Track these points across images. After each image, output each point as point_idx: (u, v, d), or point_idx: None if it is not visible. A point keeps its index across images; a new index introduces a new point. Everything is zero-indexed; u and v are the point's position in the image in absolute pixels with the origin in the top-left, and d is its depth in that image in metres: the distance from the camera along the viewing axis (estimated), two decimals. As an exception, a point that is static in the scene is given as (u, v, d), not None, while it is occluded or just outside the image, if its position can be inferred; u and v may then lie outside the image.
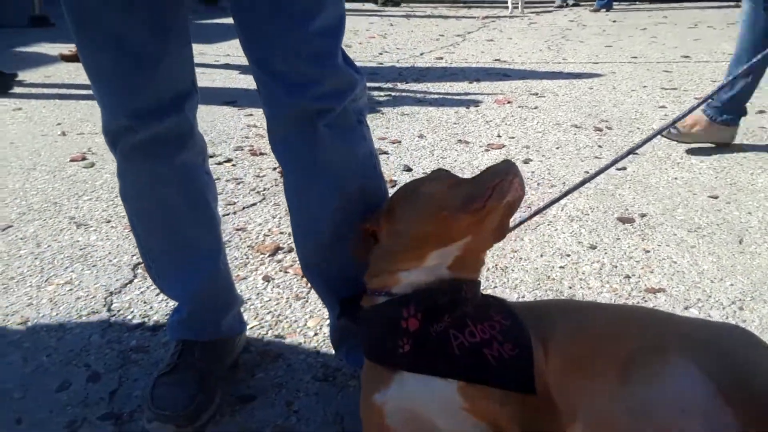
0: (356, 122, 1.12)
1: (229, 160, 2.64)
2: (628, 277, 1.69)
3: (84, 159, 2.65)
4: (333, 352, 1.39)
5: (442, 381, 0.90)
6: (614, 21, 6.62)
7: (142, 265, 1.48)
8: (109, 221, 2.10)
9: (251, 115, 3.27)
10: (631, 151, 1.43)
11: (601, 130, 2.95)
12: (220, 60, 4.67)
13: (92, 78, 1.10)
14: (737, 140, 2.63)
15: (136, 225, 1.27)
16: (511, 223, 1.03)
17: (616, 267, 1.74)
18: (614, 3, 7.56)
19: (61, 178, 2.45)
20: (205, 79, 4.09)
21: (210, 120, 3.19)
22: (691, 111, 1.32)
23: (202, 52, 4.85)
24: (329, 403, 1.26)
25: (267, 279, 1.73)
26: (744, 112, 2.54)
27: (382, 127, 3.07)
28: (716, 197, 2.15)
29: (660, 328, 0.99)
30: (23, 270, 1.79)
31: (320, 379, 1.33)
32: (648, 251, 1.81)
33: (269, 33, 1.03)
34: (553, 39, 5.53)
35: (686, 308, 1.52)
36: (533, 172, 2.46)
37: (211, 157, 2.66)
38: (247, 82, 3.89)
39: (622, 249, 1.83)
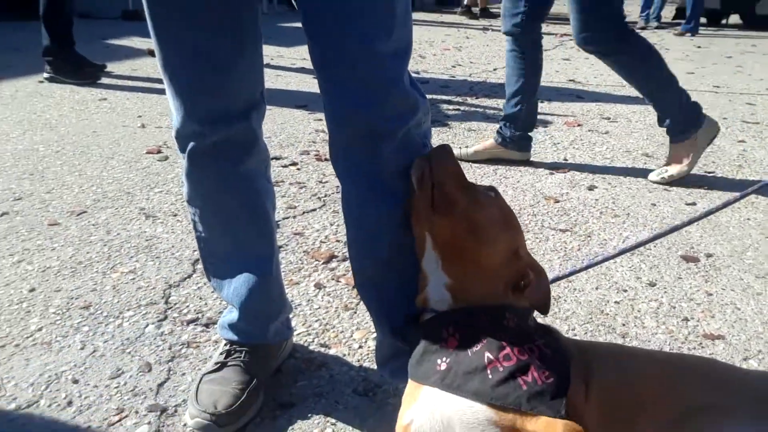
0: (421, 145, 1.12)
1: (294, 164, 2.70)
2: (686, 319, 1.63)
3: (159, 152, 2.76)
4: (375, 367, 1.41)
5: (471, 401, 0.89)
6: (699, 47, 6.40)
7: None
8: (176, 215, 2.18)
9: (320, 120, 3.33)
10: (726, 205, 1.41)
11: (673, 161, 2.85)
12: (296, 63, 4.77)
13: (167, 80, 1.15)
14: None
15: (198, 226, 1.31)
16: (564, 270, 1.02)
17: (674, 308, 1.68)
18: (700, 27, 7.30)
19: (136, 169, 2.56)
20: (280, 81, 4.20)
21: (280, 122, 3.27)
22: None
23: (279, 54, 4.99)
24: (366, 419, 1.27)
25: (319, 286, 1.76)
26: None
27: (448, 141, 3.06)
28: (791, 243, 2.05)
29: (718, 384, 0.94)
30: (92, 255, 1.88)
31: (360, 394, 1.35)
32: (710, 294, 1.74)
33: (339, 50, 1.04)
34: (632, 62, 5.38)
35: (745, 359, 1.46)
36: (597, 199, 2.41)
37: (277, 159, 2.73)
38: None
39: (683, 289, 1.77)
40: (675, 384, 0.94)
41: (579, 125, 3.41)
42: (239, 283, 1.31)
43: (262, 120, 1.25)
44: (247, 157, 1.24)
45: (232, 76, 1.14)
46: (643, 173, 2.68)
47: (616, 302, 1.70)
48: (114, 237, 2.01)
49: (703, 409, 0.89)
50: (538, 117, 2.89)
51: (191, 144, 1.18)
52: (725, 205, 1.46)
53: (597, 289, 1.77)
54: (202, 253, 1.35)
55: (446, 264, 0.97)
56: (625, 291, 1.76)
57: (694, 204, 2.35)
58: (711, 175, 2.68)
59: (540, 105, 3.83)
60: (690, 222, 1.50)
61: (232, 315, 1.35)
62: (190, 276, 1.80)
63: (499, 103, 3.83)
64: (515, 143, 2.75)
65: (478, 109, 3.70)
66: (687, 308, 1.68)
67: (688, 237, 2.08)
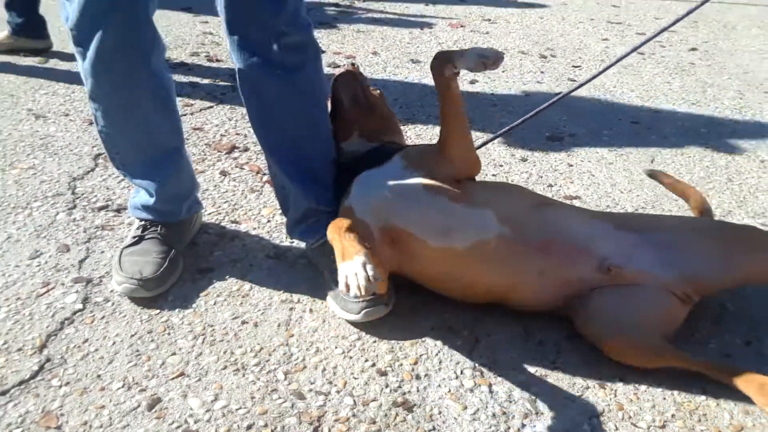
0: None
1: (185, 65, 2.69)
2: (551, 185, 1.89)
3: (39, 55, 2.65)
4: (284, 236, 1.56)
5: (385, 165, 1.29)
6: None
7: (104, 155, 1.58)
8: (67, 114, 2.16)
9: (206, 22, 3.28)
10: (593, 78, 1.64)
11: (545, 57, 3.10)
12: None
13: None
14: (671, 76, 2.83)
15: (100, 121, 1.31)
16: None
17: (541, 177, 1.94)
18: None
19: (16, 73, 2.47)
20: (159, -17, 4.03)
21: (165, 24, 3.19)
22: (632, 51, 1.51)
23: (155, -45, 4.73)
24: (280, 277, 1.43)
25: (224, 173, 1.86)
26: None
27: (337, 42, 3.14)
28: (638, 123, 2.36)
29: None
30: (-14, 154, 1.86)
31: (272, 257, 1.50)
32: (571, 165, 2.01)
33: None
34: (511, -33, 5.57)
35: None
36: (478, 92, 2.61)
37: (166, 60, 2.70)
38: (204, -11, 3.86)
39: (549, 162, 2.03)
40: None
41: (462, 26, 3.58)
42: (155, 174, 1.38)
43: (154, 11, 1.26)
44: (155, 52, 1.27)
45: None
46: (519, 69, 2.91)
47: (493, 175, 1.93)
48: (6, 137, 1.99)
49: (553, 204, 1.28)
50: (423, 19, 3.01)
51: (97, 38, 1.17)
52: (571, 91, 1.68)
53: (477, 165, 1.99)
54: (106, 146, 1.38)
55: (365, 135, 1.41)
56: (501, 166, 2.00)
57: (560, 93, 2.61)
58: (577, 68, 2.95)
59: (425, 8, 3.97)
60: (550, 104, 1.73)
61: (143, 197, 1.43)
62: (92, 170, 1.84)
63: (386, 6, 3.92)
64: (26, 30, 2.68)
65: (365, 13, 3.77)
66: (552, 176, 1.94)
67: (554, 121, 2.34)
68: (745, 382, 1.12)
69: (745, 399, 1.13)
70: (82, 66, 1.23)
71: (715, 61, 3.11)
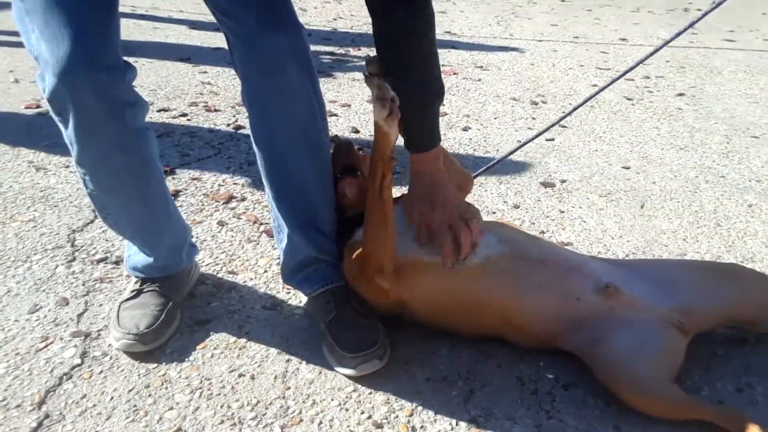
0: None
1: (184, 115, 2.75)
2: (543, 232, 1.92)
3: (38, 107, 2.71)
4: (281, 287, 1.58)
5: None
6: (563, 0, 6.86)
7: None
8: (67, 166, 2.20)
9: (205, 72, 3.36)
10: (563, 118, 1.70)
11: (536, 103, 3.17)
12: (173, 14, 4.68)
13: (36, 33, 1.13)
14: (659, 121, 2.90)
15: (89, 185, 1.31)
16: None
17: (534, 224, 1.97)
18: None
19: (16, 124, 2.52)
20: (158, 34, 4.13)
21: (164, 75, 3.27)
22: (612, 83, 1.58)
23: (154, 6, 4.85)
24: (276, 328, 1.45)
25: (221, 224, 1.89)
26: None
27: (333, 90, 3.22)
28: (628, 168, 2.41)
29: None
30: (-13, 208, 1.89)
31: (269, 308, 1.52)
32: (563, 211, 2.05)
33: None
34: (503, 14, 5.72)
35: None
36: (471, 138, 2.67)
37: (165, 110, 2.77)
38: (201, 39, 3.95)
39: (541, 209, 2.07)
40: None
41: (455, 73, 3.67)
42: (145, 235, 1.41)
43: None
44: (138, 112, 1.27)
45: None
46: (511, 115, 2.98)
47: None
48: (6, 190, 2.02)
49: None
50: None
51: (77, 106, 1.16)
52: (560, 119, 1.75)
53: (471, 213, 2.02)
54: (97, 207, 1.39)
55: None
56: (494, 213, 2.03)
57: (552, 139, 2.67)
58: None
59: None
60: (531, 139, 1.79)
61: (141, 257, 1.45)
62: (92, 221, 1.86)
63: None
64: None
65: (361, 61, 3.85)
66: (544, 223, 1.97)
67: (546, 167, 2.39)
68: None
69: (739, 448, 1.14)
70: (65, 134, 1.22)
71: (702, 105, 3.19)
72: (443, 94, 1.30)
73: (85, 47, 1.12)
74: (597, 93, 1.76)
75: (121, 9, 1.22)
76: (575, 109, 1.71)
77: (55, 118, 1.20)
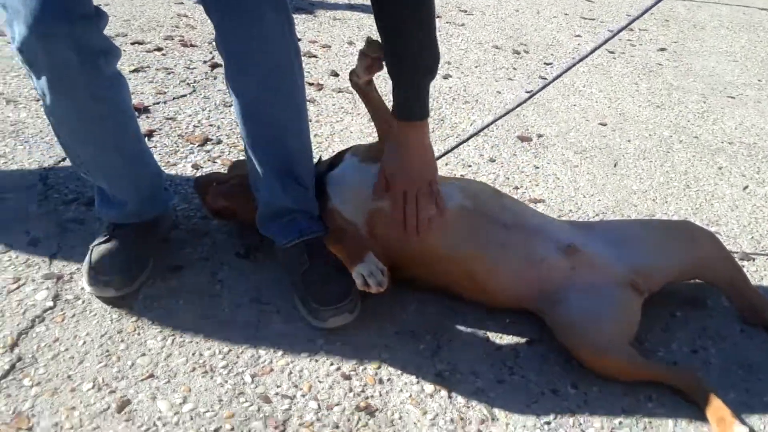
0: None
1: (159, 49, 2.67)
2: (517, 188, 1.94)
3: (4, 35, 2.61)
4: (256, 235, 1.58)
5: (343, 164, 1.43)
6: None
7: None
8: (38, 100, 2.14)
9: (181, 3, 3.24)
10: (557, 78, 1.69)
11: (518, 53, 3.14)
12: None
13: None
14: (639, 77, 2.90)
15: (62, 134, 1.29)
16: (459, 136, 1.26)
17: (508, 179, 1.99)
18: None
19: (-17, 52, 2.43)
20: (133, -42, 3.95)
21: (138, 5, 3.15)
22: (597, 47, 1.57)
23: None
24: (250, 277, 1.46)
25: (196, 167, 1.87)
26: None
27: (313, 30, 3.14)
28: (605, 124, 2.42)
29: None
30: (-47, 141, 1.84)
31: (242, 256, 1.52)
32: (537, 167, 2.07)
33: None
34: (489, -46, 5.57)
35: (559, 216, 1.80)
36: (450, 87, 2.65)
37: (140, 43, 2.68)
38: (178, -33, 3.80)
39: (516, 164, 2.08)
40: None
41: (438, 17, 3.59)
42: (119, 181, 1.39)
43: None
44: (111, 60, 1.24)
45: None
46: (492, 64, 2.95)
47: (462, 175, 1.98)
48: (-26, 122, 1.96)
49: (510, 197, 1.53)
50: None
51: (49, 55, 1.12)
52: (543, 87, 1.74)
53: (446, 165, 2.03)
54: (70, 156, 1.37)
55: None
56: (470, 166, 2.04)
57: (531, 91, 2.66)
58: (548, 65, 3.00)
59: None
60: (519, 104, 1.79)
61: (114, 202, 1.42)
62: (64, 159, 1.83)
63: (363, -9, 3.91)
64: None
65: (342, -3, 3.75)
66: (518, 179, 1.99)
67: (524, 120, 2.39)
68: (710, 409, 1.18)
69: (691, 410, 1.20)
70: (37, 84, 1.19)
71: (682, 62, 3.19)
72: (435, 71, 1.26)
73: None
74: (593, 51, 1.73)
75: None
76: (569, 69, 1.69)
77: (25, 68, 1.16)
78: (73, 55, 1.14)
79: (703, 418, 1.18)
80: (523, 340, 1.36)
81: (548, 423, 1.17)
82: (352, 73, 1.39)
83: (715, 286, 1.44)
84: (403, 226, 1.33)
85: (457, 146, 1.93)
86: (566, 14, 3.89)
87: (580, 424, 1.17)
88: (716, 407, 1.16)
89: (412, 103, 1.27)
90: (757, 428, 1.18)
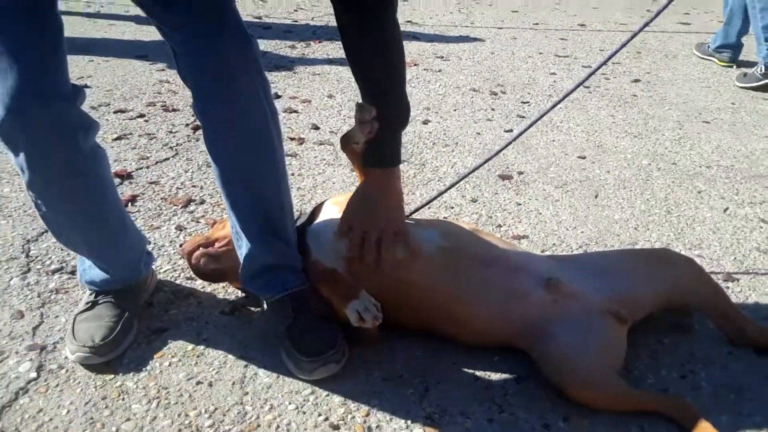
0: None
1: (141, 116, 2.72)
2: (500, 226, 1.96)
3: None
4: (240, 293, 1.59)
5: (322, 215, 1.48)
6: (523, -14, 6.89)
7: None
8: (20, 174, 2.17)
9: (163, 70, 3.32)
10: (543, 116, 1.69)
11: (496, 94, 3.21)
12: (129, 11, 4.60)
13: None
14: (615, 109, 2.96)
15: (44, 208, 1.29)
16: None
17: (491, 218, 2.00)
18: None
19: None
20: (114, 31, 4.06)
21: (121, 74, 3.23)
22: (578, 85, 1.61)
23: (110, 1, 4.76)
24: (235, 333, 1.46)
25: (180, 228, 1.88)
26: None
27: (293, 86, 3.21)
28: (584, 157, 2.45)
29: None
30: (-62, 219, 1.86)
31: (227, 314, 1.53)
32: (519, 204, 2.09)
33: None
34: (464, 1, 5.74)
35: (542, 251, 1.81)
36: (431, 132, 2.69)
37: (122, 112, 2.74)
38: (157, 34, 3.89)
39: (498, 202, 2.10)
40: None
41: (415, 65, 3.68)
42: (101, 250, 1.40)
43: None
44: (89, 133, 1.25)
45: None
46: (470, 106, 3.00)
47: (444, 217, 1.99)
48: (-41, 199, 1.99)
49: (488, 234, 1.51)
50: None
51: (28, 133, 1.14)
52: (528, 127, 1.76)
53: (429, 208, 2.05)
54: (52, 228, 1.37)
55: None
56: (452, 208, 2.06)
57: (511, 130, 2.71)
58: (526, 104, 3.06)
59: (379, 47, 4.07)
60: (506, 145, 1.81)
61: (96, 272, 1.43)
62: (46, 231, 1.84)
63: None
64: None
65: (321, 54, 3.85)
66: (501, 216, 2.01)
67: (505, 159, 2.42)
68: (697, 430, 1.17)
69: (680, 434, 1.19)
70: (14, 160, 1.20)
71: (656, 92, 3.25)
72: (407, 121, 1.30)
73: (35, 79, 1.11)
74: (575, 88, 1.74)
75: (74, 6, 1.20)
76: (555, 105, 1.71)
77: (4, 146, 1.17)
78: (50, 133, 1.17)
79: (696, 444, 1.17)
80: (512, 377, 1.35)
81: (540, 460, 1.15)
82: (347, 140, 1.32)
83: (699, 310, 1.44)
84: (361, 261, 1.34)
85: (442, 193, 1.93)
86: (540, 53, 3.98)
87: (573, 458, 1.15)
88: (704, 428, 1.15)
89: (385, 153, 1.30)
90: (751, 450, 1.17)
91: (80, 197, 1.30)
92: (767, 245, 1.86)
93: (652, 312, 1.40)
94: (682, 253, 1.75)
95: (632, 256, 1.49)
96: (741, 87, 3.33)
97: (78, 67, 3.29)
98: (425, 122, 2.79)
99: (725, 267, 1.75)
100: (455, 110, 2.96)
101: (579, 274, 1.38)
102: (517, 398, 1.29)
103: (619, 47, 1.77)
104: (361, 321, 1.29)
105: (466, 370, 1.36)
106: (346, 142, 1.32)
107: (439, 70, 3.59)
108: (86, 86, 3.01)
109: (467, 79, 3.45)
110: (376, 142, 1.29)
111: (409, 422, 1.23)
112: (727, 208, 2.08)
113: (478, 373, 1.36)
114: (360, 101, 1.28)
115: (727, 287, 1.63)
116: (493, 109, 2.99)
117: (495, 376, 1.35)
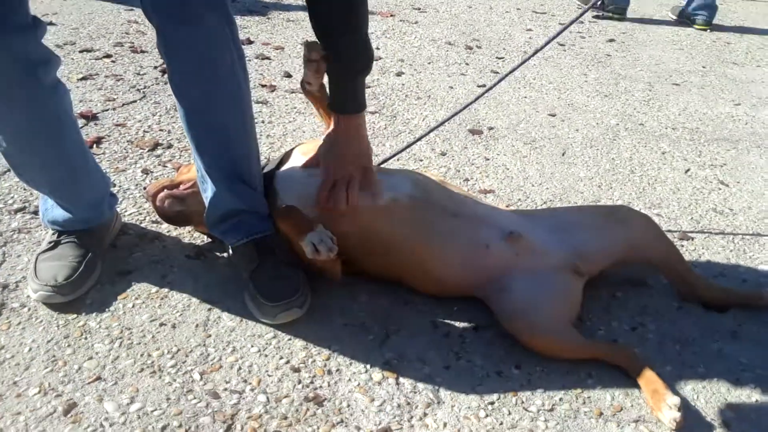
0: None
1: (108, 56, 2.65)
2: (467, 179, 1.98)
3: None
4: (205, 238, 1.59)
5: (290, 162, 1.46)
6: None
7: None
8: (-17, 111, 2.11)
9: (131, 10, 3.22)
10: (515, 68, 1.70)
11: (471, 48, 3.19)
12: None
13: None
14: (588, 68, 2.97)
15: (3, 144, 1.28)
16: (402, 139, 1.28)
17: (459, 171, 2.02)
18: None
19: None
20: (82, -34, 3.91)
21: (88, 12, 3.13)
22: (555, 37, 1.60)
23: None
24: (199, 277, 1.47)
25: (146, 171, 1.87)
26: None
27: (266, 32, 3.15)
28: (554, 115, 2.47)
29: None
30: None
31: (192, 258, 1.53)
32: (488, 159, 2.11)
33: None
34: (444, -48, 5.62)
35: (507, 206, 1.84)
36: (404, 84, 2.68)
37: (88, 51, 2.66)
38: (129, -27, 3.77)
39: (467, 156, 2.12)
40: None
41: (392, 15, 3.63)
42: (63, 190, 1.38)
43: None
44: (50, 69, 1.23)
45: None
46: (445, 60, 2.99)
47: (413, 169, 2.00)
48: None
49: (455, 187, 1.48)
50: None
51: None
52: (498, 81, 1.76)
53: (398, 160, 2.05)
54: (12, 166, 1.35)
55: None
56: (421, 161, 2.08)
57: (484, 86, 2.70)
58: (500, 59, 3.05)
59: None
60: (475, 99, 1.81)
61: (58, 211, 1.42)
62: (9, 170, 1.81)
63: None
64: None
65: (297, 0, 3.77)
66: (469, 171, 2.03)
67: (476, 114, 2.43)
68: (645, 382, 1.22)
69: (627, 383, 1.25)
70: None
71: (629, 52, 3.27)
72: (368, 70, 1.30)
73: None
74: (547, 44, 1.72)
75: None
76: (524, 61, 1.70)
77: None
78: (9, 65, 1.15)
79: (639, 391, 1.23)
80: (470, 326, 1.39)
81: (492, 403, 1.20)
82: (303, 83, 1.38)
83: (653, 265, 1.49)
84: (322, 205, 1.35)
85: (411, 144, 1.95)
86: (518, 9, 3.95)
87: (523, 402, 1.20)
88: (650, 380, 1.21)
89: (347, 98, 1.30)
90: (690, 398, 1.23)
91: (41, 134, 1.28)
92: (724, 206, 1.92)
93: (609, 267, 1.45)
94: (642, 211, 1.80)
95: (592, 213, 1.52)
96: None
97: (43, 4, 3.18)
98: (399, 74, 2.77)
99: (682, 226, 1.80)
100: (429, 63, 2.94)
101: (540, 229, 1.41)
102: (473, 346, 1.33)
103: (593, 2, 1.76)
104: (316, 253, 1.29)
105: (426, 319, 1.40)
106: (303, 85, 1.36)
107: (416, 22, 3.54)
108: (51, 23, 2.91)
109: (443, 32, 3.42)
110: (338, 88, 1.29)
111: (368, 366, 1.26)
112: (688, 169, 2.13)
113: (438, 321, 1.39)
114: (308, 40, 1.29)
115: (682, 245, 1.68)
116: (467, 64, 2.98)
117: (454, 325, 1.39)
